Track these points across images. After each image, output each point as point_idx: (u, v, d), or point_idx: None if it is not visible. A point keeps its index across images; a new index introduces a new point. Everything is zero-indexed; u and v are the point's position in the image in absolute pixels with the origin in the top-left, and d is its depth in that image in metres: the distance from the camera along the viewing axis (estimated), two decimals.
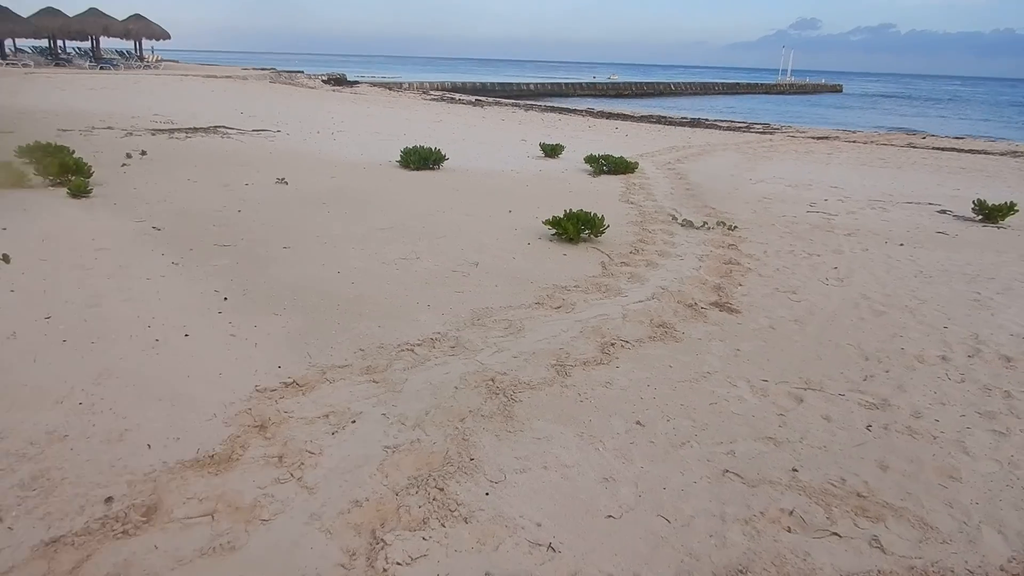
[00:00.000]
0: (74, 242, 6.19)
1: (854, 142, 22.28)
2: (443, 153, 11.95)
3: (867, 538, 2.86)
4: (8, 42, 43.02)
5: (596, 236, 7.46)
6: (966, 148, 21.20)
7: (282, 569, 2.51)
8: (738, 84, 77.24)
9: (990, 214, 9.59)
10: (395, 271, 6.10)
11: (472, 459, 3.29)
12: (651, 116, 31.61)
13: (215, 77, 38.27)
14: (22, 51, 42.50)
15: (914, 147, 21.21)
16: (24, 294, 4.95)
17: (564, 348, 4.66)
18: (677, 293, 5.92)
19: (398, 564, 2.57)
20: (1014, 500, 3.19)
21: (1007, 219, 9.63)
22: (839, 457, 3.50)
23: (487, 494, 3.03)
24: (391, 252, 6.63)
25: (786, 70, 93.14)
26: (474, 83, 55.34)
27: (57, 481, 2.89)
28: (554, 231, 7.40)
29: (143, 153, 11.06)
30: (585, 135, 20.20)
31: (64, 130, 13.58)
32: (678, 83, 72.32)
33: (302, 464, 3.12)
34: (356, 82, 48.90)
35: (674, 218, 8.80)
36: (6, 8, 38.33)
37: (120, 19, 42.99)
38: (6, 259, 5.53)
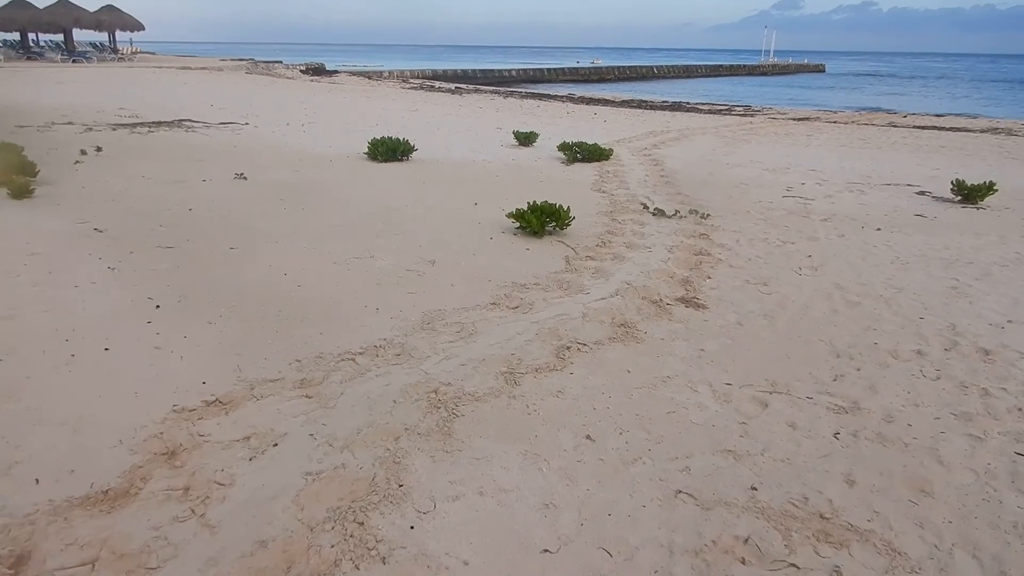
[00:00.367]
0: (4, 247, 5.82)
1: (835, 123, 22.05)
2: (412, 144, 11.59)
3: (828, 569, 2.60)
4: None
5: (561, 228, 7.17)
6: (947, 126, 21.02)
7: None
8: (720, 66, 76.81)
9: (969, 194, 9.37)
10: (346, 271, 5.78)
11: (401, 485, 3.01)
12: (632, 101, 31.28)
13: (190, 69, 37.51)
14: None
15: (895, 126, 21.01)
16: None
17: (517, 353, 4.37)
18: (642, 288, 5.64)
19: None
20: (990, 517, 2.94)
21: (986, 199, 9.41)
22: (803, 471, 3.24)
23: (412, 527, 2.75)
24: (345, 251, 6.31)
25: (768, 51, 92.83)
26: (455, 71, 54.66)
27: None
28: (518, 224, 7.09)
29: (98, 149, 10.62)
30: (563, 121, 19.85)
31: (21, 126, 13.08)
32: (661, 66, 71.80)
33: (208, 498, 2.82)
34: (335, 72, 48.16)
35: (645, 207, 8.52)
36: None
37: (92, 10, 41.98)
38: None
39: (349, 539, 2.64)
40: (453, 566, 2.55)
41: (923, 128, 20.39)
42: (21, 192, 7.31)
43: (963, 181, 9.51)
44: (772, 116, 24.59)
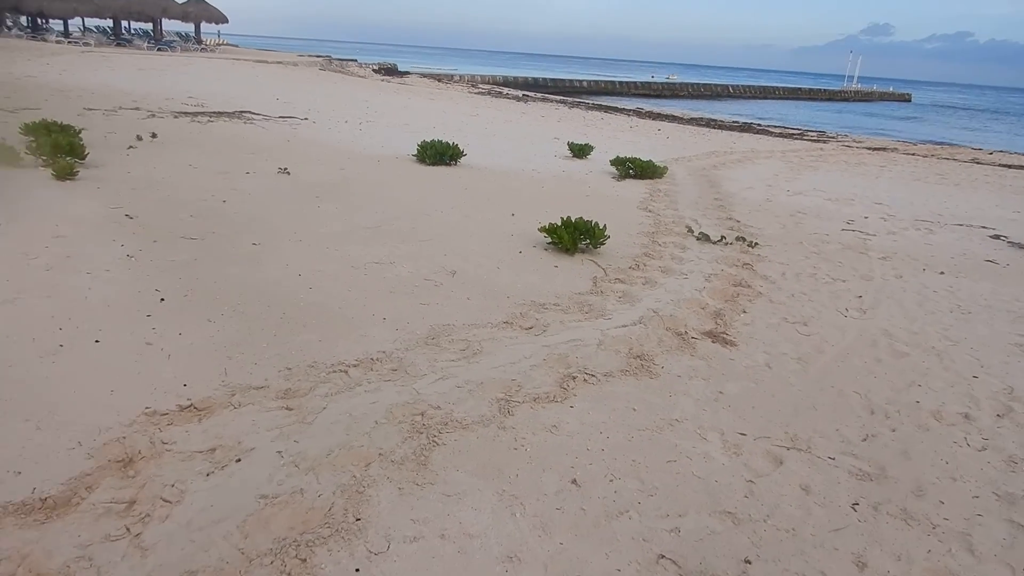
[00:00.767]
0: (33, 227, 5.89)
1: (913, 155, 20.98)
2: (461, 148, 11.46)
3: None
4: (77, 21, 44.43)
5: (595, 247, 6.86)
6: None
7: None
8: (800, 89, 74.72)
9: None
10: (363, 276, 5.62)
11: (359, 519, 2.78)
12: (700, 119, 30.59)
13: (266, 62, 38.60)
14: (91, 31, 43.75)
15: (979, 163, 19.83)
16: None
17: (518, 379, 4.11)
18: (668, 318, 5.29)
19: None
20: None
21: None
22: (808, 546, 2.87)
23: (357, 570, 2.51)
24: (367, 254, 6.16)
25: (852, 76, 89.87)
26: (526, 78, 54.76)
27: None
28: (550, 240, 6.82)
29: (153, 136, 10.86)
30: (624, 135, 19.47)
31: (90, 109, 13.55)
32: (736, 86, 70.35)
33: (149, 516, 2.66)
34: (407, 73, 48.88)
35: (690, 230, 8.12)
36: None
37: (179, 1, 43.78)
38: None
39: None
40: None
41: (1009, 167, 19.17)
42: (64, 174, 7.45)
43: None
44: (846, 144, 23.59)
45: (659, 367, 4.48)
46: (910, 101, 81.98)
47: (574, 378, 4.17)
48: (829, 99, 71.97)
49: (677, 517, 3.00)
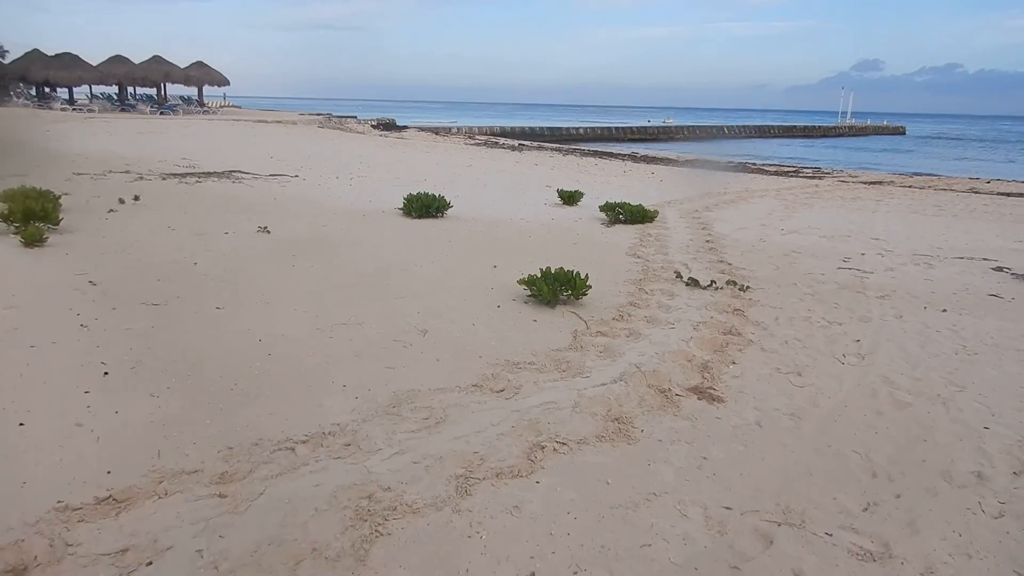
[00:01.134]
0: None
1: (909, 187, 20.78)
2: (448, 200, 11.28)
3: None
4: (85, 88, 45.26)
5: (577, 298, 6.55)
6: None
7: None
8: (794, 127, 75.38)
9: None
10: (327, 340, 5.31)
11: None
12: (696, 160, 30.57)
13: (265, 122, 39.12)
14: (97, 98, 44.54)
15: (976, 192, 19.59)
16: None
17: (482, 451, 3.75)
18: (652, 374, 4.94)
19: None
20: None
21: None
22: None
23: None
24: (335, 315, 5.86)
25: (846, 112, 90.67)
26: (523, 128, 55.35)
27: None
28: (529, 292, 6.52)
29: (136, 199, 10.72)
30: (617, 180, 19.36)
31: (79, 173, 13.51)
32: (732, 126, 71.05)
33: None
34: (405, 127, 49.49)
35: (679, 276, 7.81)
36: (76, 56, 40.30)
37: (182, 66, 44.68)
38: None
39: None
40: None
41: (1008, 195, 18.91)
42: (32, 240, 7.24)
43: None
44: (842, 179, 23.45)
45: (638, 431, 4.11)
46: (904, 134, 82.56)
47: (543, 448, 3.81)
48: (824, 135, 72.51)
49: None
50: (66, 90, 43.46)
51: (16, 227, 7.88)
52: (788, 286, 7.78)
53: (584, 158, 28.06)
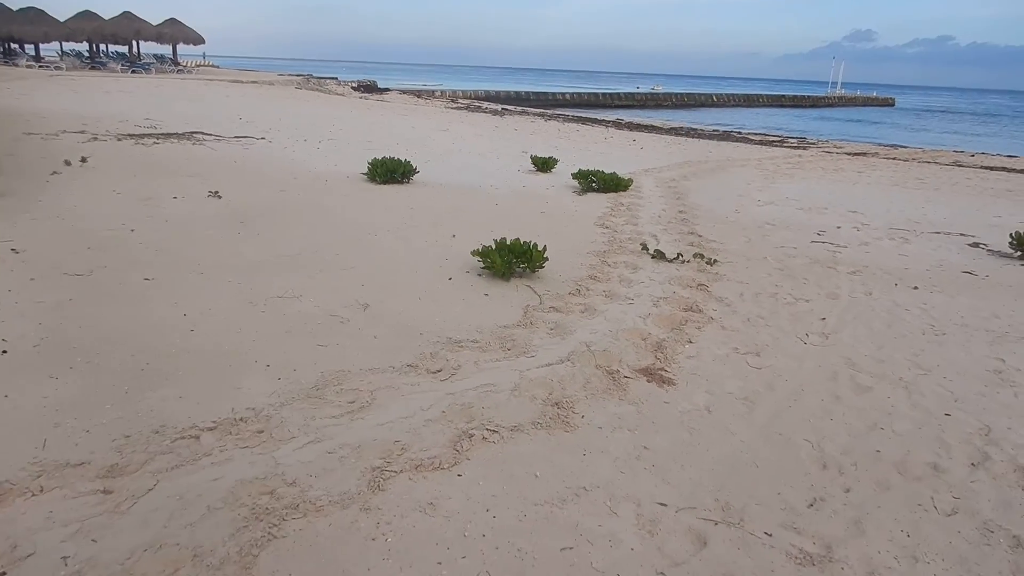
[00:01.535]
0: None
1: (894, 159, 20.53)
2: (414, 166, 10.86)
3: None
4: (55, 45, 43.74)
5: (533, 271, 6.24)
6: (1018, 168, 19.25)
7: None
8: (783, 96, 74.73)
9: None
10: (259, 315, 4.98)
11: None
12: (680, 128, 30.17)
13: (240, 82, 38.04)
14: (67, 55, 43.07)
15: (960, 165, 19.38)
16: None
17: (404, 439, 3.46)
18: (601, 353, 4.66)
19: None
20: None
21: None
22: None
23: None
24: (273, 287, 5.52)
25: (836, 83, 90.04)
26: (508, 92, 54.38)
27: None
28: (483, 264, 6.20)
29: (83, 160, 10.21)
30: (596, 147, 18.93)
31: (29, 133, 12.90)
32: (720, 94, 70.31)
33: None
34: (386, 89, 48.45)
35: (645, 248, 7.51)
36: (41, 11, 38.89)
37: (154, 23, 43.26)
38: None
39: None
40: None
41: (991, 169, 18.72)
42: None
43: None
44: (826, 150, 23.15)
45: (579, 416, 3.84)
46: (894, 105, 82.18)
47: (471, 436, 3.53)
48: (812, 105, 72.01)
49: None
50: (32, 47, 42.01)
51: None
52: (758, 260, 7.51)
53: (566, 124, 27.51)
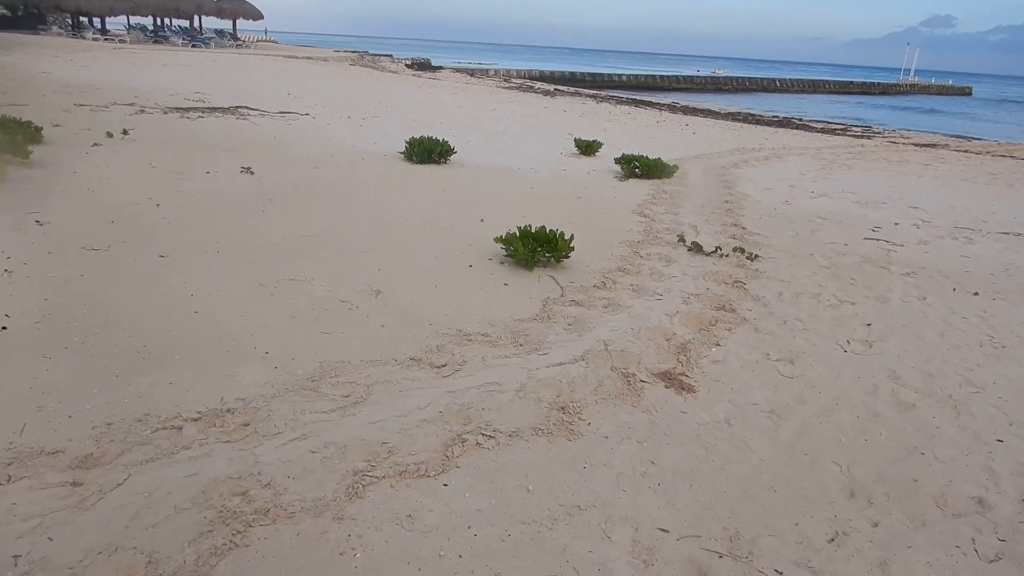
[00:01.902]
0: None
1: (965, 151, 19.35)
2: (451, 146, 10.63)
3: None
4: (123, 19, 44.88)
5: (557, 260, 5.95)
6: None
7: None
8: (851, 83, 71.69)
9: None
10: (267, 298, 4.83)
11: None
12: (738, 113, 29.17)
13: (296, 57, 38.41)
14: (133, 28, 44.15)
15: None
16: None
17: (394, 441, 3.26)
18: (619, 354, 4.37)
19: None
20: None
21: None
22: None
23: None
24: (286, 270, 5.38)
25: (909, 70, 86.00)
26: (563, 72, 53.59)
27: None
28: (506, 252, 5.94)
29: (124, 133, 10.30)
30: (646, 131, 18.37)
31: (81, 105, 13.14)
32: (784, 80, 67.85)
33: None
34: (440, 68, 48.28)
35: (682, 240, 7.12)
36: None
37: None
38: None
39: None
40: None
41: None
42: None
43: None
44: (892, 140, 22.02)
45: (585, 423, 3.57)
46: (971, 95, 78.08)
47: (464, 441, 3.30)
48: (883, 93, 69.01)
49: None
50: (99, 21, 43.18)
51: None
52: (803, 256, 7.05)
53: (618, 106, 26.86)
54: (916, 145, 20.47)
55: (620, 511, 2.92)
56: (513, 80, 43.26)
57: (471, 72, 45.66)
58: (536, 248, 5.78)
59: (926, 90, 76.88)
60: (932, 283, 6.46)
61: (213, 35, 46.80)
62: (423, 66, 47.49)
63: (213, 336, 4.19)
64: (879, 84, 73.70)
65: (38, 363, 3.67)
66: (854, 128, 26.43)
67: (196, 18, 45.18)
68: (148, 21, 45.74)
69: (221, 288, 4.91)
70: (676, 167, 11.25)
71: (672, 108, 29.12)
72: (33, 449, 2.99)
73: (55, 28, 40.32)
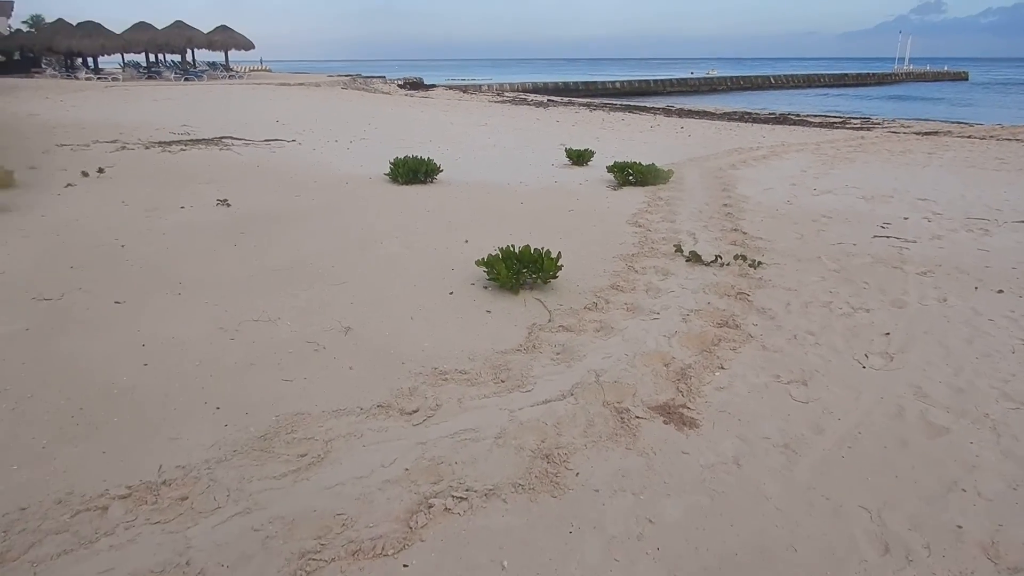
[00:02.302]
0: None
1: (969, 137, 18.86)
2: (437, 165, 10.25)
3: None
4: (117, 57, 44.97)
5: (544, 281, 5.51)
6: None
7: None
8: (846, 75, 71.37)
9: None
10: (226, 342, 4.42)
11: None
12: (734, 113, 28.84)
13: (288, 85, 38.30)
14: (127, 66, 44.19)
15: None
16: None
17: (350, 511, 2.82)
18: (612, 385, 3.92)
19: None
20: None
21: None
22: None
23: None
24: (251, 309, 4.97)
25: (903, 59, 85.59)
26: (556, 83, 53.46)
27: None
28: (489, 275, 5.52)
29: (100, 171, 9.96)
30: (640, 136, 17.98)
31: (62, 144, 12.86)
32: (779, 76, 67.54)
33: None
34: (432, 86, 48.19)
35: (679, 249, 6.68)
36: (98, 24, 39.99)
37: (205, 31, 44.01)
38: None
39: None
40: None
41: None
42: None
43: None
44: (892, 130, 21.54)
45: (572, 474, 3.12)
46: (967, 80, 77.49)
47: (431, 506, 2.86)
48: (878, 83, 68.65)
49: None
50: (92, 59, 43.26)
51: None
52: (810, 260, 6.59)
53: (612, 113, 26.52)
54: (918, 134, 19.99)
55: None
56: (506, 94, 43.10)
57: (464, 88, 45.53)
58: (521, 270, 5.36)
59: (922, 77, 76.44)
60: (951, 282, 6.00)
61: (206, 67, 46.82)
62: (415, 85, 47.43)
63: (160, 392, 3.77)
64: (874, 74, 73.31)
65: None
66: (853, 120, 25.99)
67: (188, 52, 45.20)
68: (142, 58, 45.88)
69: (176, 334, 4.50)
70: (672, 172, 10.83)
71: (667, 112, 28.79)
72: None
73: (49, 71, 40.37)
